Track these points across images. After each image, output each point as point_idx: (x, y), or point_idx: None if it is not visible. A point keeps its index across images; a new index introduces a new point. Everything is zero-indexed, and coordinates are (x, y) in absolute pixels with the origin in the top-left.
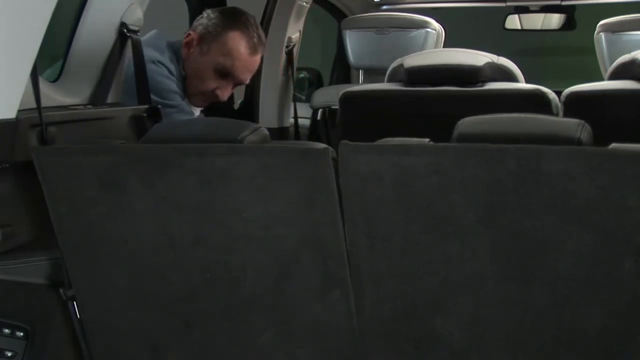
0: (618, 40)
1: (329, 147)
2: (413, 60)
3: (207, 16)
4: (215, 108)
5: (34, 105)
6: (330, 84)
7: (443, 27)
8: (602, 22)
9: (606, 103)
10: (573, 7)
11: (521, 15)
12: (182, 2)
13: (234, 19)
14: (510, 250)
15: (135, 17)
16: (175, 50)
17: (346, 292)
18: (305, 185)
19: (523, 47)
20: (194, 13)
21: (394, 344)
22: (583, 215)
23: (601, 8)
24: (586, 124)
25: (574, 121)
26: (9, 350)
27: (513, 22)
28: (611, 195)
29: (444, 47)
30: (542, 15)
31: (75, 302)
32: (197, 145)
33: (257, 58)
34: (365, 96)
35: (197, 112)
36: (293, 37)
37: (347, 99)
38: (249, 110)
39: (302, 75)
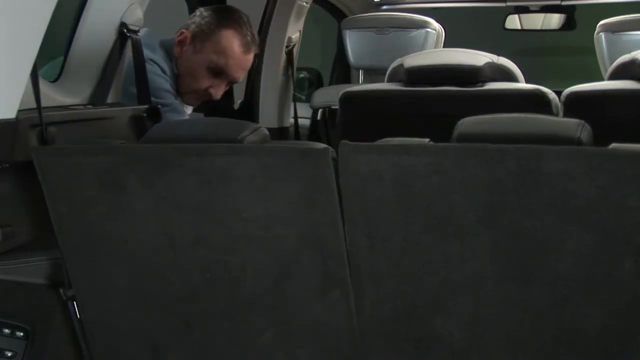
0: (618, 40)
1: (329, 147)
2: (413, 60)
3: (200, 14)
4: (215, 108)
5: (34, 105)
6: (330, 84)
7: (443, 27)
8: (602, 22)
9: (606, 103)
10: (573, 7)
11: (521, 15)
12: (182, 2)
13: (227, 17)
14: (510, 250)
15: (135, 17)
16: (167, 49)
17: (346, 292)
18: (305, 185)
19: (523, 47)
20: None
21: (394, 344)
22: (583, 215)
23: (601, 8)
24: (586, 124)
25: (574, 121)
26: (9, 350)
27: (513, 22)
28: (611, 195)
29: (444, 47)
30: (542, 15)
31: (75, 302)
32: (197, 145)
33: (251, 56)
34: (365, 96)
35: (189, 110)
36: (293, 37)
37: (347, 99)
38: (249, 110)
39: (302, 75)
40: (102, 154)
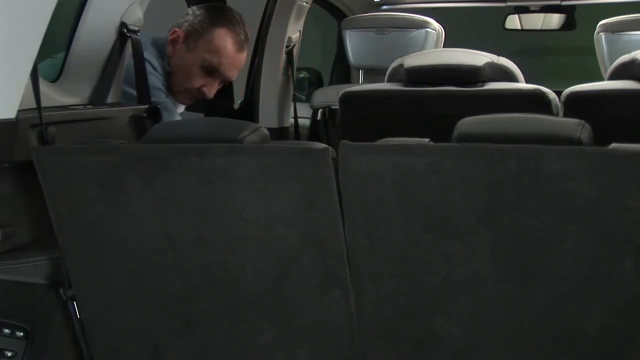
0: (618, 40)
1: (329, 147)
2: (413, 60)
3: (193, 13)
4: (215, 108)
5: (34, 105)
6: (330, 84)
7: (443, 27)
8: (602, 22)
9: (606, 103)
10: (573, 7)
11: (521, 15)
12: (182, 2)
13: (220, 15)
14: (510, 250)
15: (135, 17)
16: (159, 47)
17: (346, 292)
18: (305, 185)
19: (523, 47)
20: None
21: (394, 344)
22: (583, 215)
23: (601, 8)
24: (586, 124)
25: (574, 121)
26: (9, 350)
27: (513, 22)
28: (611, 195)
29: (444, 47)
30: (542, 15)
31: (75, 302)
32: (197, 145)
33: (244, 55)
34: (365, 96)
35: (181, 109)
36: (293, 37)
37: (347, 99)
38: (249, 110)
39: (302, 75)
40: (102, 154)
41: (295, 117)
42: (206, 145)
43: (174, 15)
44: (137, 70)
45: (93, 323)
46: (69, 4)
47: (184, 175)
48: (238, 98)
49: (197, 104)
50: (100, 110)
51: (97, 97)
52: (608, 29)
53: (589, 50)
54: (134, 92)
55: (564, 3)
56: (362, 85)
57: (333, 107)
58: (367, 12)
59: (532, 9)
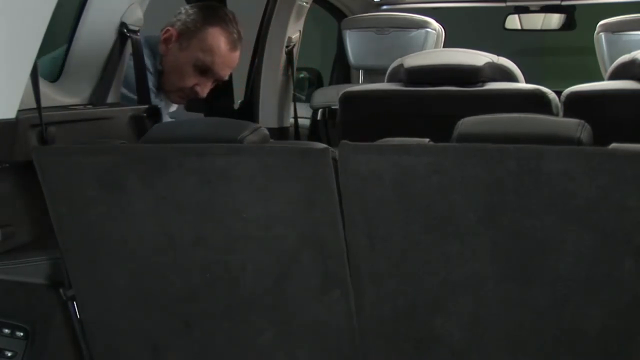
0: (618, 40)
1: (329, 147)
2: (413, 60)
3: (186, 12)
4: (215, 108)
5: (34, 105)
6: (330, 84)
7: (443, 27)
8: (602, 22)
9: (606, 103)
10: (573, 7)
11: (521, 15)
12: (182, 2)
13: (213, 14)
14: (510, 250)
15: (135, 17)
16: (151, 46)
17: (346, 292)
18: (305, 185)
19: (523, 47)
20: None
21: (394, 344)
22: (583, 215)
23: (601, 8)
24: (586, 124)
25: (574, 121)
26: (9, 350)
27: (513, 22)
28: (611, 195)
29: (444, 47)
30: (542, 15)
31: (75, 302)
32: (197, 145)
33: (237, 54)
34: (365, 96)
35: (173, 108)
36: (293, 37)
37: (347, 99)
38: (249, 110)
39: (302, 75)
40: (102, 154)
41: (295, 117)
42: (206, 145)
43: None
44: (137, 70)
45: (93, 323)
46: (69, 4)
47: (184, 175)
48: (238, 98)
49: (197, 104)
50: (100, 110)
51: (97, 97)
52: (608, 29)
53: (589, 50)
54: (128, 93)
55: (564, 3)
56: (362, 85)
57: (333, 107)
58: (367, 12)
59: (532, 9)
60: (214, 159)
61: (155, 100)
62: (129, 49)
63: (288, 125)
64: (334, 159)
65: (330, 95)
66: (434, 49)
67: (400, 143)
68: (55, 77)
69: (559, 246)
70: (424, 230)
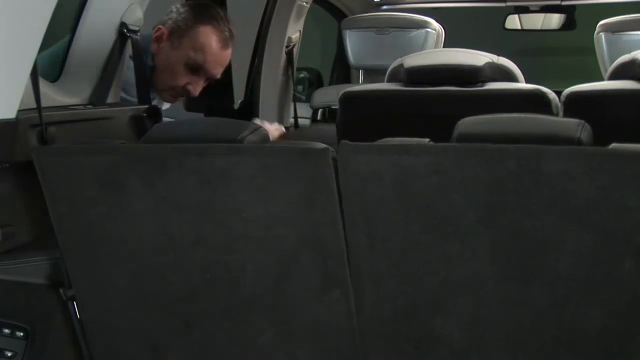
0: (618, 40)
1: (329, 147)
2: (413, 60)
3: (177, 10)
4: (215, 108)
5: (34, 105)
6: (330, 84)
7: (443, 27)
8: (602, 22)
9: (606, 103)
10: (573, 7)
11: (521, 15)
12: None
13: (204, 13)
14: (510, 250)
15: (135, 17)
16: (143, 44)
17: (346, 292)
18: (305, 185)
19: (523, 47)
20: None
21: (394, 344)
22: (583, 215)
23: (601, 8)
24: (586, 124)
25: (574, 121)
26: (9, 350)
27: (513, 22)
28: (611, 195)
29: (444, 47)
30: (542, 15)
31: (75, 302)
32: (197, 145)
33: (229, 52)
34: (365, 96)
35: (166, 106)
36: (293, 37)
37: (347, 99)
38: (249, 110)
39: (302, 75)
40: (102, 154)
41: (295, 117)
42: (206, 145)
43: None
44: (137, 70)
45: (93, 323)
46: (69, 4)
47: (184, 175)
48: (238, 98)
49: (197, 104)
50: (100, 110)
51: (97, 97)
52: (608, 29)
53: (589, 50)
54: (126, 96)
55: (564, 3)
56: (362, 85)
57: (333, 107)
58: (367, 12)
59: (532, 9)
60: (214, 159)
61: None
62: (129, 49)
63: (288, 125)
64: (334, 159)
65: (330, 95)
66: (434, 49)
67: (400, 143)
68: (55, 77)
69: (559, 246)
70: (424, 230)
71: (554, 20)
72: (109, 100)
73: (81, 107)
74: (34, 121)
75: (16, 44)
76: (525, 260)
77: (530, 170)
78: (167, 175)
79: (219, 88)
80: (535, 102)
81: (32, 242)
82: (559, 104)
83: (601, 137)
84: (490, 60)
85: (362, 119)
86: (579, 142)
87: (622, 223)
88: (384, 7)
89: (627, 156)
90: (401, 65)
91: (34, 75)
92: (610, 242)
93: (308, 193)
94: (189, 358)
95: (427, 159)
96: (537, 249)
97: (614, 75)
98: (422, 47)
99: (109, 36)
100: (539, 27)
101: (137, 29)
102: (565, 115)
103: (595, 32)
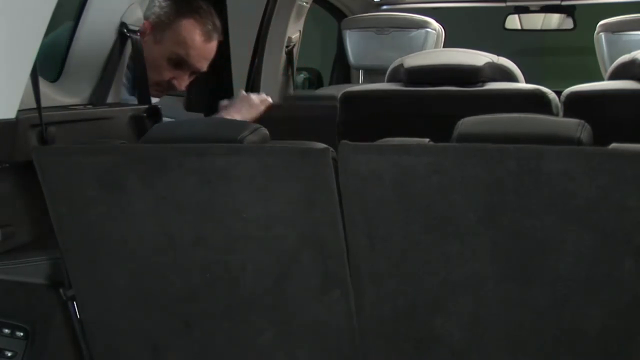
0: (618, 40)
1: (329, 147)
2: (413, 60)
3: (159, 4)
4: (215, 108)
5: (34, 105)
6: (330, 84)
7: (443, 27)
8: (602, 22)
9: (606, 103)
10: (573, 7)
11: (521, 15)
12: None
13: (186, 6)
14: (510, 250)
15: (135, 17)
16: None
17: (346, 292)
18: (305, 185)
19: (523, 47)
20: None
21: (394, 344)
22: (583, 215)
23: (601, 8)
24: (586, 124)
25: (574, 121)
26: (9, 350)
27: (513, 22)
28: (611, 195)
29: (444, 47)
30: (542, 15)
31: (75, 302)
32: (197, 145)
33: (213, 45)
34: (365, 96)
35: (154, 101)
36: (293, 37)
37: (347, 99)
38: None
39: (302, 75)
40: (102, 154)
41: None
42: (206, 145)
43: None
44: (137, 70)
45: (93, 323)
46: (69, 4)
47: (184, 175)
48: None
49: (197, 104)
50: (100, 110)
51: (97, 97)
52: (608, 29)
53: (589, 50)
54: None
55: (564, 3)
56: (362, 85)
57: None
58: (367, 12)
59: (532, 9)
60: (214, 159)
61: (129, 98)
62: (129, 49)
63: None
64: (334, 159)
65: None
66: (434, 49)
67: (400, 143)
68: (55, 77)
69: (559, 246)
70: (424, 230)
71: (554, 20)
72: (109, 100)
73: (81, 107)
74: (34, 121)
75: (16, 44)
76: (525, 260)
77: (530, 170)
78: (167, 175)
79: (219, 88)
80: (535, 102)
81: (32, 242)
82: (559, 104)
83: (601, 137)
84: (490, 60)
85: (362, 119)
86: (579, 142)
87: (622, 223)
88: (384, 7)
89: (627, 156)
90: (401, 65)
91: (34, 75)
92: (610, 242)
93: (308, 193)
94: (189, 358)
95: (427, 159)
96: (537, 249)
97: (614, 75)
98: (422, 47)
99: (109, 36)
100: (539, 27)
101: (137, 29)
102: (565, 115)
103: (595, 32)
